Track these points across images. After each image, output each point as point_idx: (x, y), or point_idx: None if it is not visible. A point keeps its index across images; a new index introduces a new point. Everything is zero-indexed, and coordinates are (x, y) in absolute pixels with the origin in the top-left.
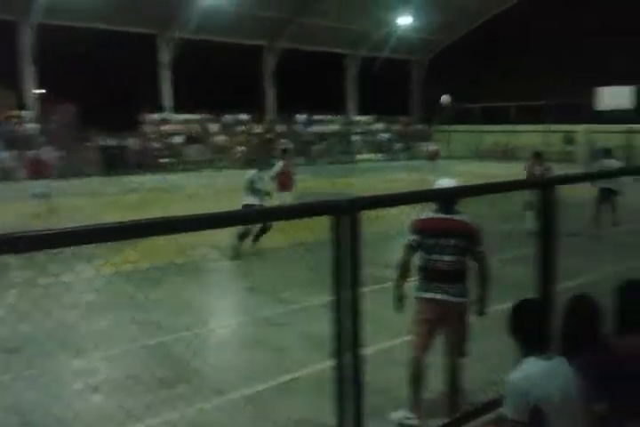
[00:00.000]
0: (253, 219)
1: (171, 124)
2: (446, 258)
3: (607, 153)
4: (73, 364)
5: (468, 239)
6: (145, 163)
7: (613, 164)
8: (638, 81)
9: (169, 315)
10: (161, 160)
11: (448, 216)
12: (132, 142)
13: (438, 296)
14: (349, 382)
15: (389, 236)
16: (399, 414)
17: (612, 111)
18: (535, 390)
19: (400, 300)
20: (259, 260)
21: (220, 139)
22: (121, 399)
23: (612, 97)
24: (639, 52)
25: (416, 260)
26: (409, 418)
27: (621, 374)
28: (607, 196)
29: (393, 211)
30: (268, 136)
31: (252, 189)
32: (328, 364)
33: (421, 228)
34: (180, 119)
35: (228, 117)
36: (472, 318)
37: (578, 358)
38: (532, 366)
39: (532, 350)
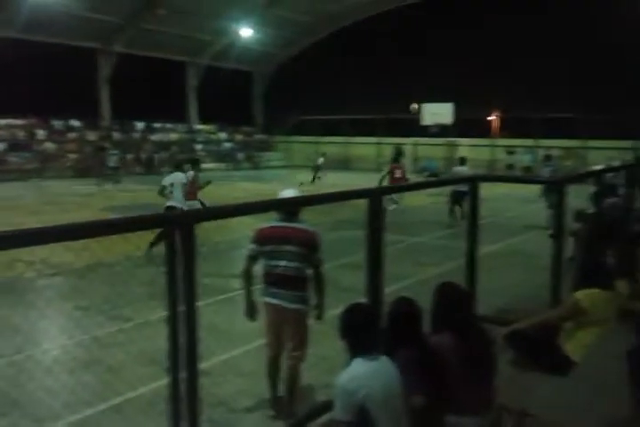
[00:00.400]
0: (86, 233)
1: None
2: (284, 264)
3: (462, 161)
4: None
5: (307, 247)
6: None
7: (465, 171)
8: (456, 98)
9: None
10: None
11: (289, 224)
12: None
13: (276, 301)
14: (184, 399)
15: (236, 245)
16: None
17: (435, 126)
18: (361, 390)
19: (250, 308)
20: (89, 276)
21: (49, 146)
22: None
23: (434, 113)
24: (458, 72)
25: (259, 267)
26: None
27: (434, 368)
28: (459, 197)
29: (239, 220)
30: (102, 144)
31: (184, 191)
32: (163, 382)
33: (261, 236)
34: (1, 124)
35: (57, 123)
36: (311, 323)
37: (399, 354)
38: (359, 367)
39: (359, 352)
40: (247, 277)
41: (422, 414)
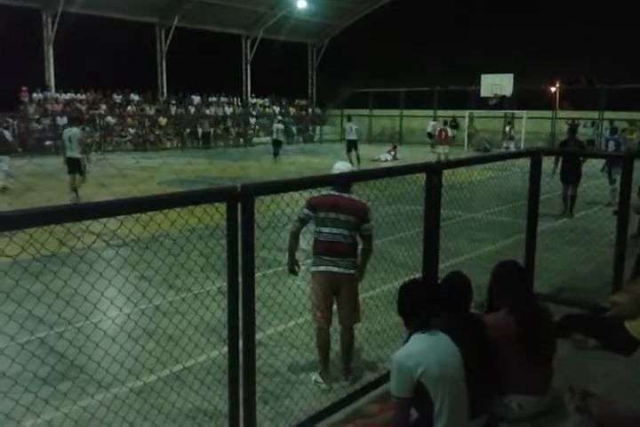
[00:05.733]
0: (151, 206)
1: (55, 104)
2: (335, 231)
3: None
4: None
5: (357, 216)
6: (27, 145)
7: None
8: (516, 69)
9: (51, 309)
10: (46, 143)
11: (342, 194)
12: (12, 123)
13: (333, 269)
14: (241, 369)
15: (286, 219)
16: (314, 377)
17: (494, 97)
18: (418, 367)
19: (293, 265)
20: (155, 247)
21: (109, 120)
22: None
23: (494, 84)
24: (518, 41)
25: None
26: (320, 383)
27: (486, 342)
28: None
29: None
30: (162, 118)
31: None
32: (219, 352)
33: (315, 203)
34: (65, 99)
35: (117, 98)
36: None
37: (451, 326)
38: (416, 343)
39: (416, 328)
40: (294, 237)
41: (480, 392)
